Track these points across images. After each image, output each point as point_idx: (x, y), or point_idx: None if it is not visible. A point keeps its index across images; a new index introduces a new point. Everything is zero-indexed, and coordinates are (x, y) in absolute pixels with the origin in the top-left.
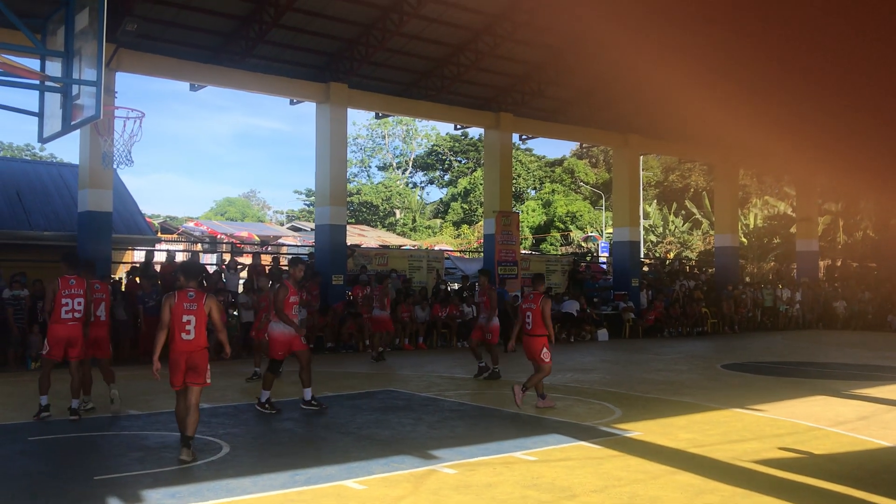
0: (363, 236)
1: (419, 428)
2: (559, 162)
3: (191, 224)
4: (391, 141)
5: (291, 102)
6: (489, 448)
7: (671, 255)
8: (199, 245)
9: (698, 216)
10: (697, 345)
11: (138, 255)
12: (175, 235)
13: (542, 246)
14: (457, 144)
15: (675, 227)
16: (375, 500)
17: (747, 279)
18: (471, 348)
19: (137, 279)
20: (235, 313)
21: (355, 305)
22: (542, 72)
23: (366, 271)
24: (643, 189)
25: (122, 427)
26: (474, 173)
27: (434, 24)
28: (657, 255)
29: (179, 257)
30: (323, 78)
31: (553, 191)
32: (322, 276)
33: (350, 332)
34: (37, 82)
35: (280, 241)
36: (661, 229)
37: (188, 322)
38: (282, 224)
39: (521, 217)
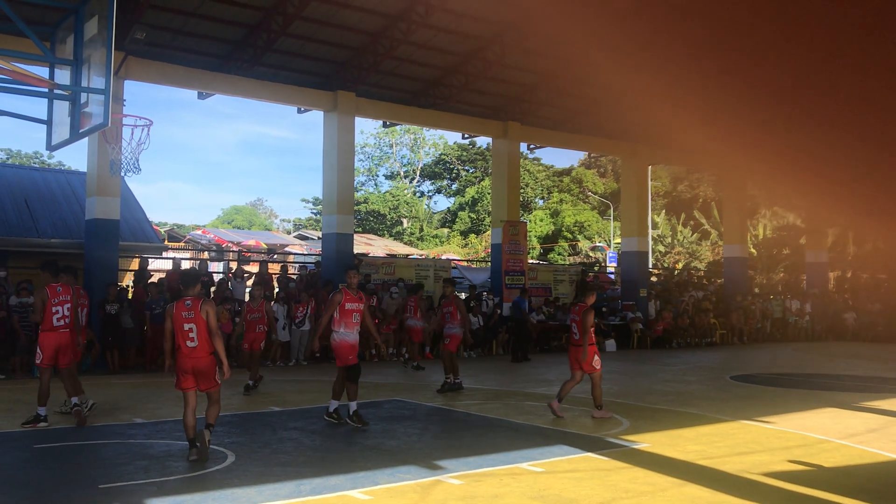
0: (370, 245)
1: (425, 438)
2: (567, 171)
3: (198, 232)
4: (399, 150)
5: (299, 111)
6: (495, 459)
7: (679, 266)
8: (206, 253)
9: (707, 226)
10: (706, 356)
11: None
12: (182, 243)
13: (550, 255)
14: (464, 153)
15: (684, 237)
16: None
17: (756, 290)
18: (451, 359)
19: (148, 290)
20: (244, 321)
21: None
22: (550, 81)
23: (370, 280)
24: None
25: (126, 435)
26: (482, 182)
27: (442, 33)
28: (665, 265)
29: (185, 265)
30: (330, 86)
31: (561, 200)
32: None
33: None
34: (45, 90)
35: (287, 249)
36: (669, 239)
37: (190, 330)
38: (289, 232)
39: (528, 226)
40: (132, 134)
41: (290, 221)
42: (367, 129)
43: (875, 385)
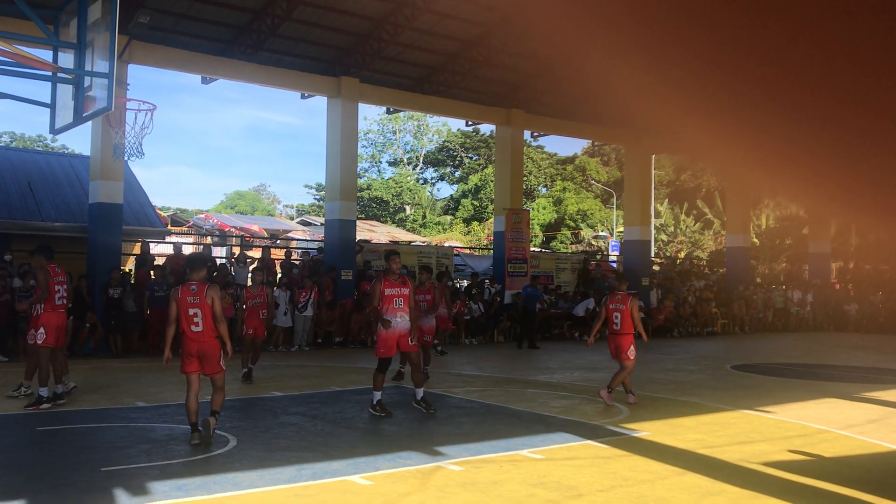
0: (373, 232)
1: (426, 424)
2: (571, 160)
3: (201, 217)
4: (402, 136)
5: (303, 96)
6: (496, 445)
7: (682, 255)
8: (209, 238)
9: (710, 216)
10: (707, 345)
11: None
12: (185, 228)
13: (553, 244)
14: (468, 141)
15: (687, 226)
16: (381, 496)
17: (758, 280)
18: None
19: (153, 273)
20: (245, 307)
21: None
22: (554, 69)
23: (371, 267)
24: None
25: (129, 419)
26: (485, 170)
27: (446, 19)
28: (668, 254)
29: (187, 249)
30: (334, 72)
31: (564, 188)
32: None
33: (359, 327)
34: (49, 73)
35: (290, 235)
36: (672, 229)
37: (195, 315)
38: (292, 218)
39: (531, 214)
40: (136, 118)
41: (293, 207)
42: (370, 115)
43: (876, 376)
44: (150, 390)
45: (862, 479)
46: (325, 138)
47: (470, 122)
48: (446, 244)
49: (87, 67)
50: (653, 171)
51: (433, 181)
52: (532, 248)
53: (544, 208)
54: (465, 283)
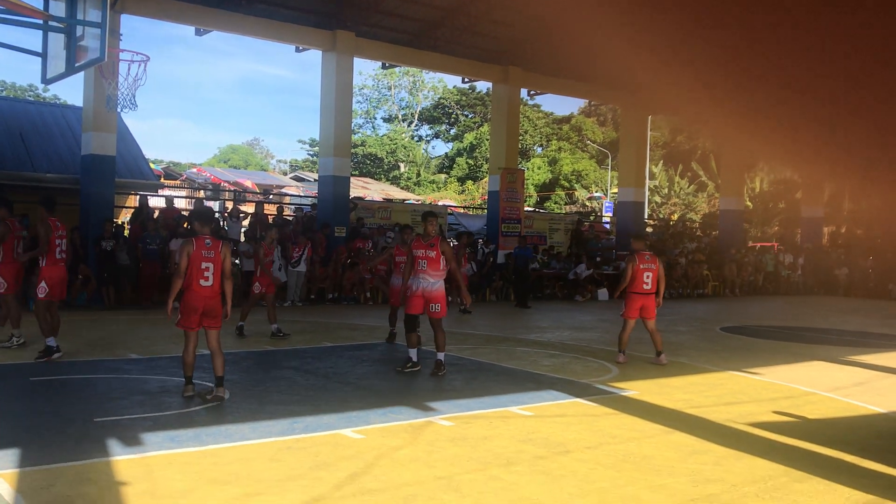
0: (367, 189)
1: (417, 380)
2: (567, 119)
3: (194, 170)
4: (397, 92)
5: (297, 50)
6: (486, 402)
7: (675, 217)
8: (202, 192)
9: (704, 178)
10: (698, 307)
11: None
12: (178, 182)
13: (547, 204)
14: (464, 98)
15: (681, 188)
16: (373, 450)
17: (751, 243)
18: (392, 312)
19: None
20: (237, 262)
21: (356, 257)
22: (552, 26)
23: (364, 224)
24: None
25: (122, 371)
26: (481, 128)
27: None
28: (661, 216)
29: (179, 203)
30: (330, 25)
31: (560, 148)
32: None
33: (351, 284)
34: (40, 21)
35: (283, 190)
36: (666, 191)
37: (206, 269)
38: (285, 174)
39: (526, 174)
40: (129, 69)
41: (286, 162)
42: (365, 70)
43: (863, 340)
44: (144, 342)
45: (846, 441)
46: (319, 93)
47: (466, 79)
48: (440, 203)
49: (80, 16)
50: (649, 133)
51: (428, 139)
52: (526, 208)
53: (539, 168)
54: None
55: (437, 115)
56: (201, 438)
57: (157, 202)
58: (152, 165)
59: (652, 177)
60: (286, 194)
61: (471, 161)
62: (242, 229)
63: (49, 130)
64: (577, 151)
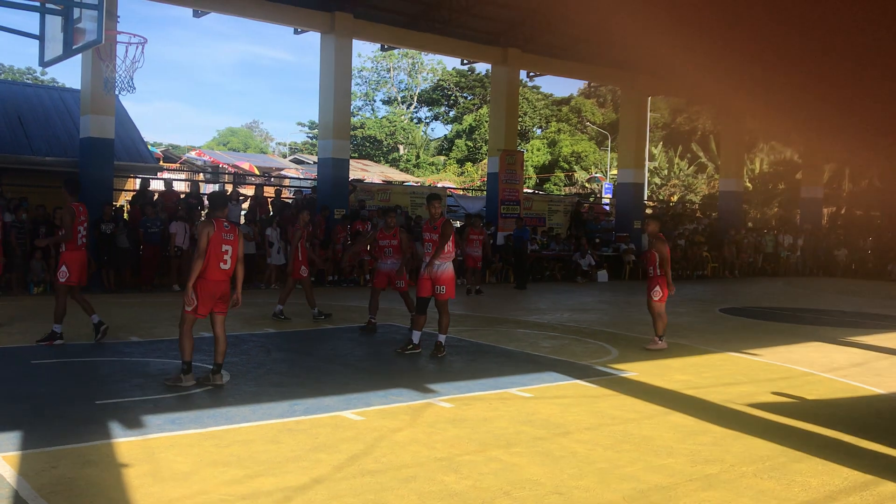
0: (366, 171)
1: (417, 362)
2: (566, 101)
3: (193, 154)
4: (396, 74)
5: (296, 32)
6: (485, 384)
7: (675, 199)
8: (202, 175)
9: (704, 160)
10: (697, 288)
11: (139, 185)
12: (177, 165)
13: (546, 186)
14: (463, 80)
15: (681, 170)
16: (373, 431)
17: (750, 224)
18: (372, 298)
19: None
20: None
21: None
22: (551, 6)
23: (364, 206)
24: (650, 131)
25: (123, 353)
26: (480, 110)
27: None
28: (661, 197)
29: (178, 186)
30: (328, 7)
31: (559, 130)
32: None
33: (350, 266)
34: (37, 3)
35: (282, 173)
36: (665, 172)
37: (226, 252)
38: (284, 156)
39: (525, 156)
40: (126, 51)
41: (285, 145)
42: (364, 52)
43: (861, 321)
44: (144, 325)
45: (843, 421)
46: (318, 75)
47: (465, 61)
48: (440, 185)
49: None
50: (648, 114)
51: (427, 121)
52: (525, 190)
53: (538, 150)
54: (459, 223)
55: (436, 97)
56: (202, 420)
57: (156, 185)
58: (151, 148)
59: (651, 158)
60: (286, 177)
61: (470, 143)
62: (242, 212)
63: (47, 113)
64: (577, 133)
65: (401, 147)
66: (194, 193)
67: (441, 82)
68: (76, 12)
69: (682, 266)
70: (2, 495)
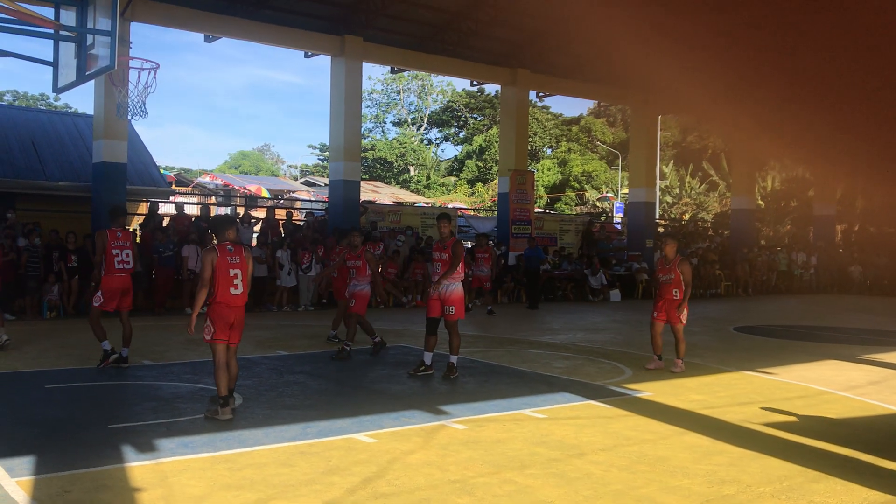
0: (377, 193)
1: (430, 383)
2: (576, 120)
3: (206, 178)
4: (406, 96)
5: (306, 55)
6: (499, 405)
7: (687, 217)
8: (213, 198)
9: (715, 178)
10: (710, 307)
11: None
12: (189, 188)
13: (557, 205)
14: (472, 101)
15: (692, 188)
16: (385, 454)
17: (763, 242)
18: (360, 322)
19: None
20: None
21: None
22: (560, 27)
23: (376, 228)
24: (660, 149)
25: (135, 377)
26: (490, 131)
27: None
28: (673, 216)
29: (190, 210)
30: (338, 31)
31: (569, 150)
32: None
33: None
34: (51, 31)
35: (294, 195)
36: (677, 190)
37: (235, 276)
38: (296, 179)
39: (535, 176)
40: (139, 77)
41: (296, 168)
42: (374, 74)
43: (878, 338)
44: (156, 349)
45: (861, 440)
46: (329, 98)
47: (475, 82)
48: (450, 205)
49: (90, 25)
50: (659, 133)
51: (437, 142)
52: (536, 210)
53: (549, 169)
54: (469, 244)
55: (446, 119)
56: (215, 444)
57: (167, 209)
58: (163, 172)
59: (663, 177)
60: (297, 199)
61: (480, 163)
62: (254, 234)
63: (61, 139)
64: (587, 152)
65: (411, 168)
66: (205, 216)
67: (451, 103)
68: (89, 39)
69: (694, 285)
70: None
